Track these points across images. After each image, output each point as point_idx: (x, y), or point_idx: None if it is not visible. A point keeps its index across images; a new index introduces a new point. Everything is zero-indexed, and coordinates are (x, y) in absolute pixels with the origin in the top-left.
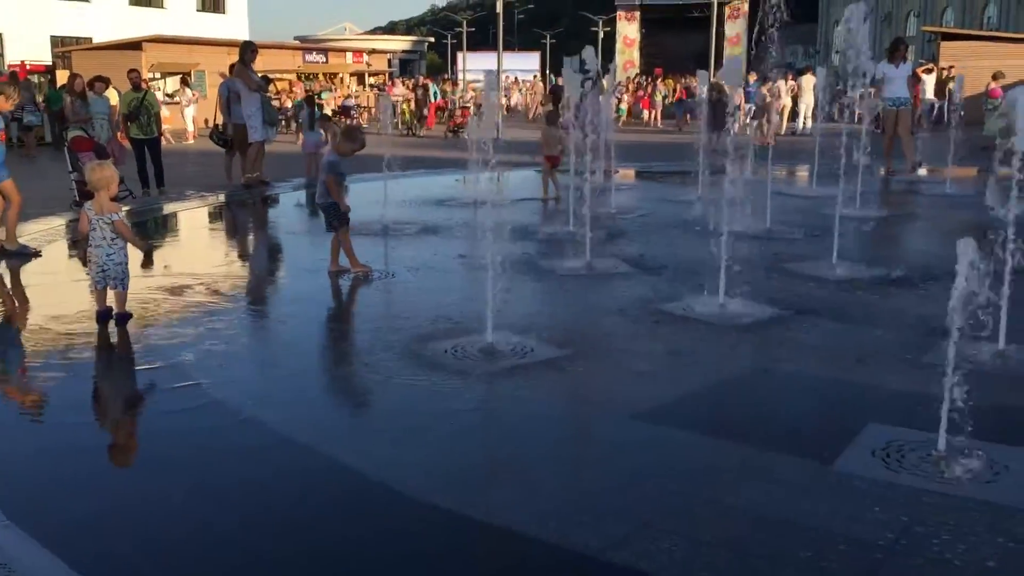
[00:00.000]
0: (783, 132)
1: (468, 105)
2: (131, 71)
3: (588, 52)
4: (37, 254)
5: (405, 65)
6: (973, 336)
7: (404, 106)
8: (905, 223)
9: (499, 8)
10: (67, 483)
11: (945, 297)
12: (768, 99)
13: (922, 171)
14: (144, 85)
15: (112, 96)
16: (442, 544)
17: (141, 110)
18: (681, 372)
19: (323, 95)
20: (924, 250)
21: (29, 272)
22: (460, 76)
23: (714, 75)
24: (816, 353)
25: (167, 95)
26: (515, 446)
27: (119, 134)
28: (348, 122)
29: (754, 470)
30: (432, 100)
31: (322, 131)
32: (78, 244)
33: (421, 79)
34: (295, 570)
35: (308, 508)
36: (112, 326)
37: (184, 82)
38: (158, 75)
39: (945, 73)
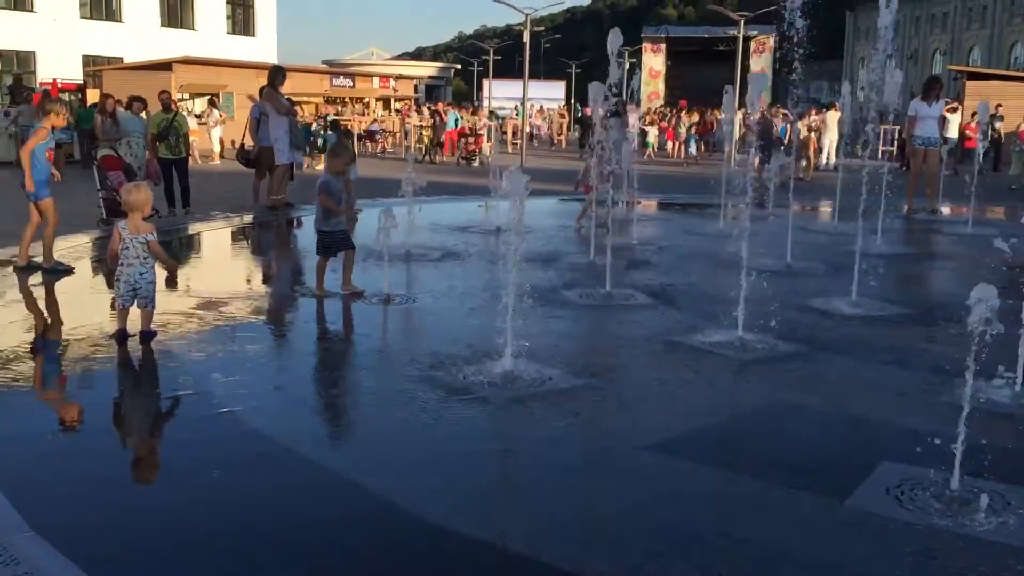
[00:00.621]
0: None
1: (481, 132)
2: (162, 92)
3: (594, 88)
4: (70, 271)
5: (431, 91)
6: (991, 376)
7: (423, 132)
8: (926, 261)
9: (526, 37)
10: (94, 500)
11: (964, 336)
12: (806, 133)
13: (944, 210)
14: (174, 106)
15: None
16: (461, 569)
17: (170, 131)
18: (696, 404)
19: (328, 118)
20: (944, 289)
21: (60, 288)
22: (485, 103)
23: (739, 103)
24: (832, 389)
25: (195, 116)
26: (531, 473)
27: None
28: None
29: (766, 504)
30: (452, 127)
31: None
32: (106, 262)
33: (440, 106)
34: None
35: (325, 528)
36: (134, 344)
37: (212, 103)
38: (187, 96)
39: (993, 112)
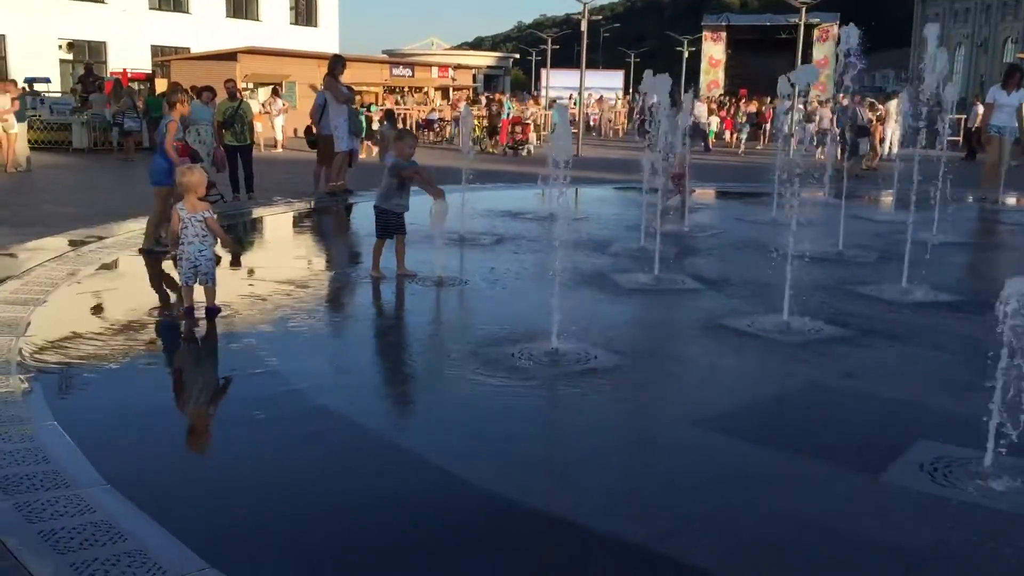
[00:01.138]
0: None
1: (529, 121)
2: (227, 81)
3: (649, 77)
4: (166, 251)
5: (489, 80)
6: None
7: (476, 122)
8: (991, 251)
9: (584, 26)
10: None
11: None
12: (873, 121)
13: (1011, 200)
14: (239, 95)
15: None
16: (508, 530)
17: (235, 118)
18: (738, 384)
19: (371, 108)
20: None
21: (122, 270)
22: (542, 92)
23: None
24: (874, 372)
25: (260, 105)
26: (575, 444)
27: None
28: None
29: (801, 478)
30: (505, 116)
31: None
32: (170, 243)
33: (497, 96)
34: (380, 548)
35: (384, 492)
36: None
37: (275, 92)
38: (251, 85)
39: None
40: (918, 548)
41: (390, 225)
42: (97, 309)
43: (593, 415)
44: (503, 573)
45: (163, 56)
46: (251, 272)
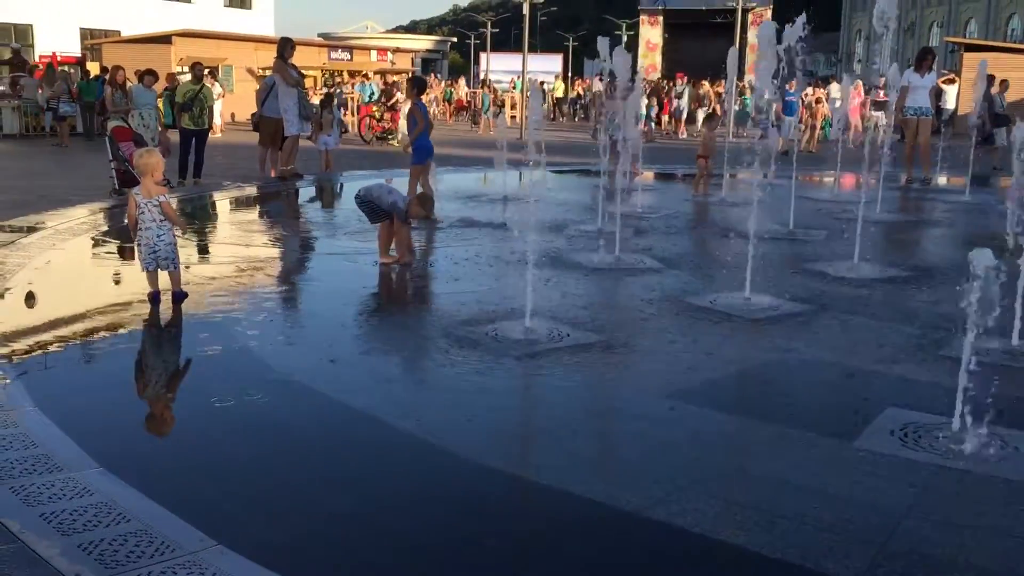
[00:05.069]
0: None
1: (397, 108)
2: (195, 64)
3: (620, 52)
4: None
5: (427, 64)
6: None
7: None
8: (923, 228)
9: (525, 10)
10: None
11: (959, 296)
12: (815, 105)
13: (941, 180)
14: (208, 80)
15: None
16: (499, 498)
17: (195, 102)
18: (707, 358)
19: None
20: (941, 252)
21: (79, 257)
22: (482, 75)
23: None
24: (837, 344)
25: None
26: (556, 419)
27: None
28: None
29: (778, 445)
30: (366, 102)
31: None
32: (129, 229)
33: (390, 77)
34: (370, 519)
35: (373, 466)
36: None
37: (212, 76)
38: (185, 68)
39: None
40: (894, 507)
41: (378, 212)
42: (62, 295)
43: (570, 389)
44: (504, 543)
45: (92, 39)
46: (212, 256)
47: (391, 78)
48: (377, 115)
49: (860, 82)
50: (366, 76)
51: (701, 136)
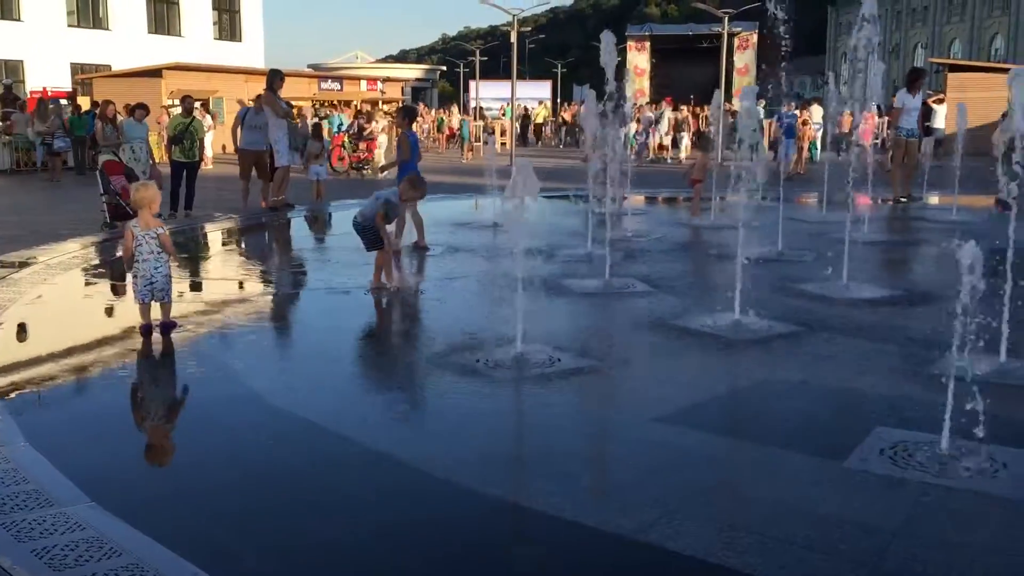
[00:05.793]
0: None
1: (373, 137)
2: (185, 97)
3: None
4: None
5: (417, 93)
6: (974, 349)
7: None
8: (912, 248)
9: (513, 37)
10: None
11: (947, 317)
12: (801, 127)
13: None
14: (199, 114)
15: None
16: (492, 525)
17: (186, 135)
18: (698, 380)
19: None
20: (929, 273)
21: (71, 291)
22: (471, 103)
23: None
24: (826, 365)
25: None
26: (549, 443)
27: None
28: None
29: (769, 466)
30: (337, 131)
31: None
32: (121, 262)
33: (363, 106)
34: (364, 548)
35: (366, 494)
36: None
37: (204, 108)
38: (175, 101)
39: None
40: (885, 526)
41: (374, 240)
42: (54, 329)
43: (563, 414)
44: (497, 570)
45: (83, 74)
46: (204, 287)
47: (364, 107)
48: (347, 147)
49: (875, 106)
50: (333, 106)
51: (695, 159)
